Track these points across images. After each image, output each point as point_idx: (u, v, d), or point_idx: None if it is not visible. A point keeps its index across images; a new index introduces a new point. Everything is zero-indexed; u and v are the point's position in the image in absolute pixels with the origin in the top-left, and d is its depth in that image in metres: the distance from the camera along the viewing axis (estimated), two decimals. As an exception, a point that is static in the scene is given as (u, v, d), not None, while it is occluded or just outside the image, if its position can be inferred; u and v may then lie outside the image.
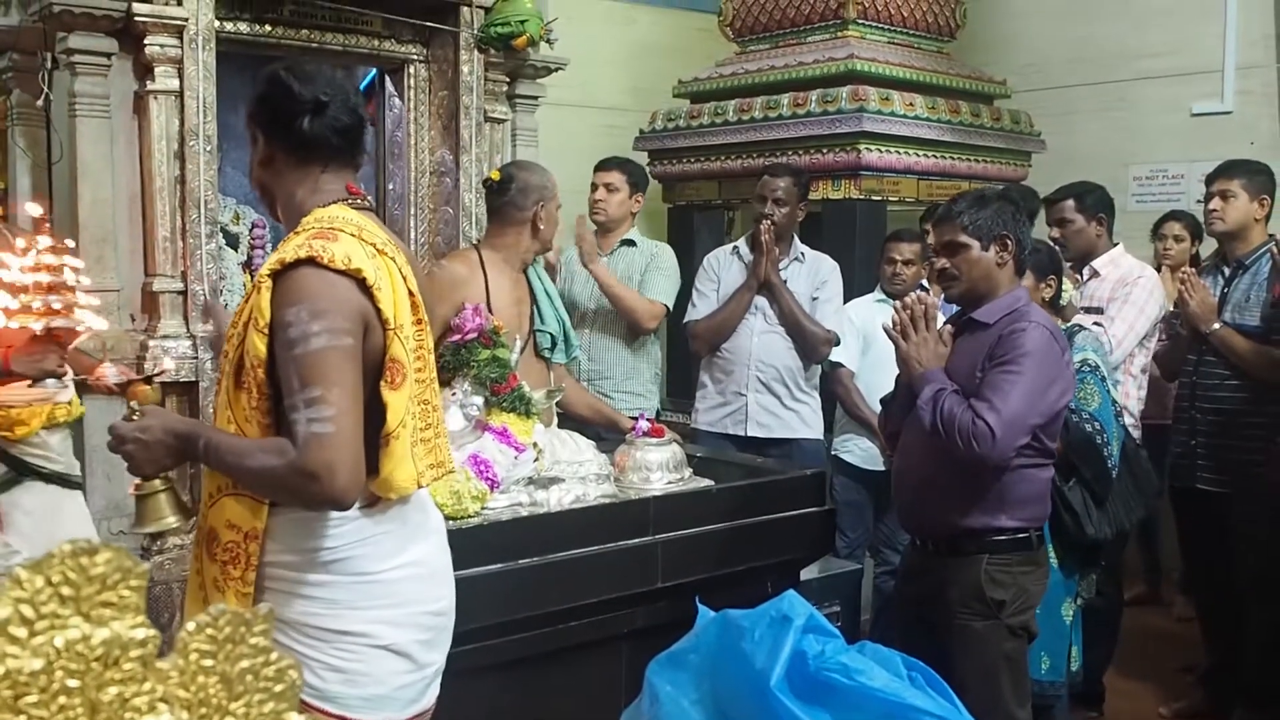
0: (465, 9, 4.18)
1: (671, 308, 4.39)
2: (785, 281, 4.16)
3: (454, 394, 2.77)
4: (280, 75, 1.96)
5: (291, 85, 1.93)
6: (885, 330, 2.86)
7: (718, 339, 4.26)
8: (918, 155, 5.19)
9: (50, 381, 2.65)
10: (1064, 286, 3.40)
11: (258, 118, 1.99)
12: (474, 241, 3.66)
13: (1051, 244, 3.70)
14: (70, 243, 2.58)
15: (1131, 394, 3.95)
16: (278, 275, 1.79)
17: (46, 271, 2.42)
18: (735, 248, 4.37)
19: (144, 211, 3.65)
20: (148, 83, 3.59)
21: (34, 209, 2.63)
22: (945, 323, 2.85)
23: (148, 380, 3.00)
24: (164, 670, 0.71)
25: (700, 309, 4.31)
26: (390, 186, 4.56)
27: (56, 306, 2.41)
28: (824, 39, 5.37)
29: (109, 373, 2.55)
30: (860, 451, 4.36)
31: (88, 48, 3.50)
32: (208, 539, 1.90)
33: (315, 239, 1.80)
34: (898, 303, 2.86)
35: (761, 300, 4.18)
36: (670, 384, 5.71)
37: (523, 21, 4.21)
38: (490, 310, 3.02)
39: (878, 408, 3.29)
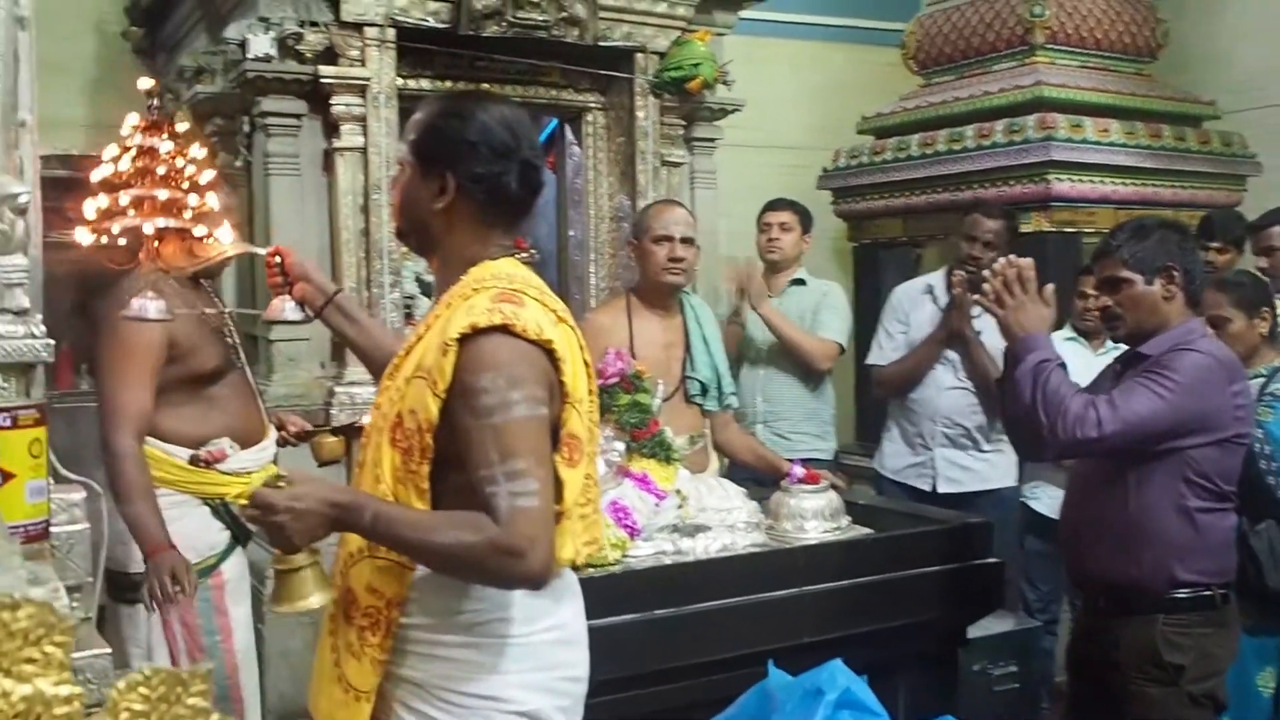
0: (640, 55, 4.24)
1: (845, 347, 4.28)
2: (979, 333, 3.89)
3: (594, 439, 2.76)
4: (490, 126, 1.80)
5: (505, 139, 1.80)
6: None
7: (904, 388, 4.07)
8: (1114, 184, 4.89)
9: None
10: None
11: (451, 161, 1.80)
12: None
13: (1258, 274, 3.41)
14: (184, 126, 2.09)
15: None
16: (466, 339, 1.67)
17: (146, 159, 1.94)
18: (929, 286, 4.15)
19: (332, 263, 3.86)
20: (334, 140, 3.80)
21: None
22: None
23: (334, 432, 3.00)
24: (93, 729, 0.72)
25: (886, 350, 4.13)
26: (571, 233, 4.65)
27: (161, 198, 1.91)
28: (1011, 67, 5.16)
29: (287, 308, 2.14)
30: (1050, 500, 4.09)
31: (280, 110, 3.75)
32: (345, 602, 1.80)
33: (503, 302, 1.70)
34: (987, 271, 2.59)
35: (952, 353, 3.96)
36: (859, 426, 5.55)
37: (696, 65, 4.23)
38: (634, 355, 2.99)
39: None
